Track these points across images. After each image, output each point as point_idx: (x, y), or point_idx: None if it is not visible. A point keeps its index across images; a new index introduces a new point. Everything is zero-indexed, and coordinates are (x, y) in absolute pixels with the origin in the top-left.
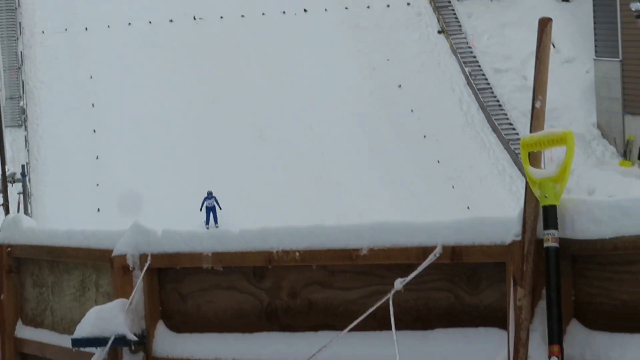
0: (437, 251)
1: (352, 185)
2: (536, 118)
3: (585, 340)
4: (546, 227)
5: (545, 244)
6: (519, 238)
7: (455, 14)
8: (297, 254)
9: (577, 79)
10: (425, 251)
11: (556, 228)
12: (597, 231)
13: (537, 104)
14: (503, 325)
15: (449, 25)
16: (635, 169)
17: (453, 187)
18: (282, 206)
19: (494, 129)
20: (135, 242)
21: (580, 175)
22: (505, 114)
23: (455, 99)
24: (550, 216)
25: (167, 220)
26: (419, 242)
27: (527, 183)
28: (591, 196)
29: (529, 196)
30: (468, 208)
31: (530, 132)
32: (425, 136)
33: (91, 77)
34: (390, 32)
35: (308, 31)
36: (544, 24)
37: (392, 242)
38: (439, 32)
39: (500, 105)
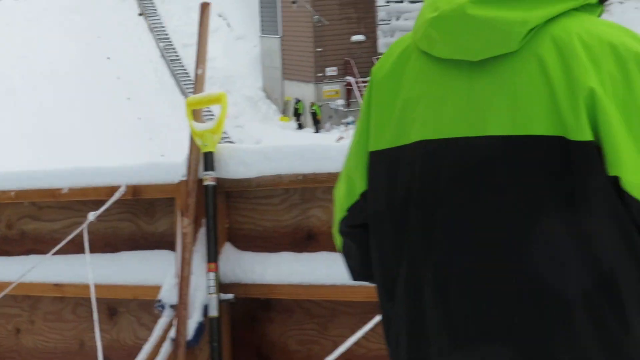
0: (122, 190)
1: (70, 138)
2: (198, 82)
3: (236, 258)
4: (206, 169)
5: (205, 183)
6: (185, 178)
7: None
8: (12, 193)
9: (248, 51)
10: (112, 189)
11: (213, 170)
12: (245, 172)
13: (199, 71)
14: (173, 247)
15: (147, 9)
16: (291, 123)
17: (150, 139)
18: (24, 152)
19: (182, 92)
20: None
21: (250, 128)
22: (191, 80)
23: (152, 68)
24: (209, 160)
25: None
26: (108, 182)
27: (191, 134)
28: (258, 145)
29: (193, 145)
30: (162, 155)
31: (194, 93)
32: (129, 98)
33: None
34: (99, 14)
35: (30, 15)
36: (204, 8)
37: (87, 182)
38: (139, 14)
39: (187, 74)
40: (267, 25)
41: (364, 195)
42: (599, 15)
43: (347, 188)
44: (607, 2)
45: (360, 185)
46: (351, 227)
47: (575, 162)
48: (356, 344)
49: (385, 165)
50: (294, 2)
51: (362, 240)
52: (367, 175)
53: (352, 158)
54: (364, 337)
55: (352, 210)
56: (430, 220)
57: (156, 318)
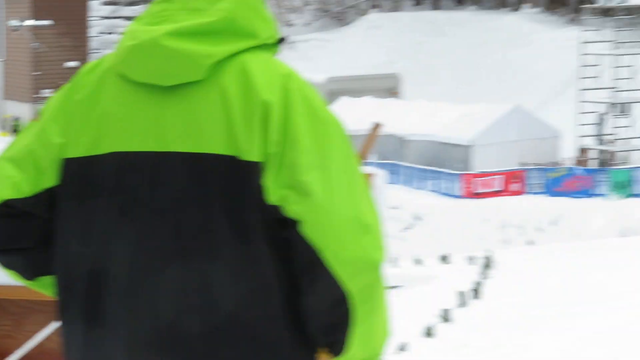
0: None
1: None
2: None
3: None
4: None
5: None
6: None
7: None
8: None
9: None
10: None
11: None
12: None
13: None
14: None
15: None
16: (9, 139)
17: None
18: None
19: None
20: None
21: None
22: None
23: None
24: None
25: None
26: None
27: None
28: None
29: None
30: None
31: None
32: None
33: None
34: None
35: None
36: None
37: None
38: None
39: None
40: None
41: (49, 191)
42: (275, 54)
43: (33, 177)
44: (282, 44)
45: (49, 181)
46: (13, 208)
47: (241, 178)
48: (47, 338)
49: (79, 171)
50: (15, 30)
51: (19, 227)
52: (59, 176)
53: (44, 156)
54: (55, 333)
55: (32, 199)
56: (115, 228)
57: None
